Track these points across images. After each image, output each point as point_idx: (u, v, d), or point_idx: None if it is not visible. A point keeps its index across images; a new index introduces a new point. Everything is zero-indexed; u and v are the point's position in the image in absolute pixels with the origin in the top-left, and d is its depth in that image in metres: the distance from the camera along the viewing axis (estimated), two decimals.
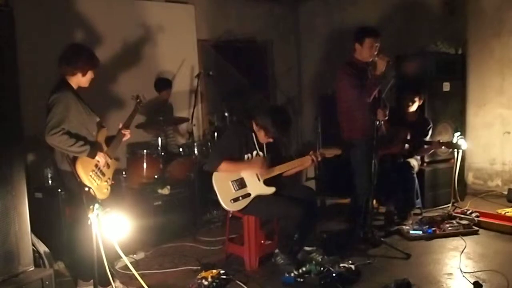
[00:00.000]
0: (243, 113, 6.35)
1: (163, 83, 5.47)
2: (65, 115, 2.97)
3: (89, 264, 2.81)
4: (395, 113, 4.53)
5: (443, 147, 4.81)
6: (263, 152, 3.64)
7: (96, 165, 3.13)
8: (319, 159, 3.60)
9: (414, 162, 4.71)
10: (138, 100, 3.66)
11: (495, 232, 4.10)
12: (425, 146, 4.81)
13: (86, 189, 2.94)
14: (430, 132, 4.88)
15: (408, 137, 4.66)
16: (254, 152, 3.62)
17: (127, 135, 3.42)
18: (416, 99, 4.77)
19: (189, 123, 5.12)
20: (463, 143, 4.59)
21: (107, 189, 3.20)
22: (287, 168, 3.64)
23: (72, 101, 3.05)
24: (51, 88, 3.08)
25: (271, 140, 3.59)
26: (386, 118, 3.92)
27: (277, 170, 3.58)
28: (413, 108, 4.82)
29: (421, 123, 4.85)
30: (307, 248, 3.62)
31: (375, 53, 3.88)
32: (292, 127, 3.74)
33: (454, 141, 4.61)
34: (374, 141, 3.79)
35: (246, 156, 3.59)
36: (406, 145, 4.65)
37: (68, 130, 2.97)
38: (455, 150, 4.63)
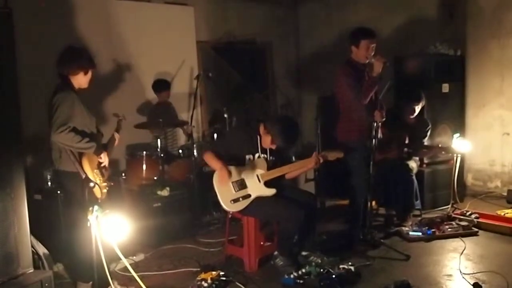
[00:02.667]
0: (243, 114, 6.36)
1: (161, 85, 5.45)
2: (71, 113, 3.01)
3: (88, 266, 2.82)
4: (393, 116, 4.51)
5: (443, 152, 4.79)
6: (266, 155, 3.63)
7: (98, 164, 3.18)
8: (321, 161, 3.59)
9: (413, 163, 4.70)
10: (120, 118, 3.72)
11: (495, 234, 4.10)
12: (424, 150, 4.80)
13: (91, 184, 2.95)
14: (428, 134, 4.87)
15: (407, 141, 4.64)
16: (256, 155, 3.61)
17: (117, 140, 3.56)
18: (417, 107, 4.69)
19: (188, 125, 5.12)
20: (463, 147, 4.55)
21: (106, 189, 3.23)
22: (289, 170, 3.63)
23: (76, 101, 3.09)
24: (54, 88, 3.10)
25: (273, 147, 3.59)
26: (384, 119, 3.93)
27: (277, 172, 3.57)
28: (415, 115, 4.76)
29: (420, 125, 4.83)
30: (304, 253, 3.61)
31: (372, 54, 3.88)
32: (298, 140, 3.77)
33: (454, 144, 4.57)
34: (371, 142, 3.79)
35: (247, 157, 3.59)
36: (405, 149, 4.63)
37: (74, 127, 3.00)
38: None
